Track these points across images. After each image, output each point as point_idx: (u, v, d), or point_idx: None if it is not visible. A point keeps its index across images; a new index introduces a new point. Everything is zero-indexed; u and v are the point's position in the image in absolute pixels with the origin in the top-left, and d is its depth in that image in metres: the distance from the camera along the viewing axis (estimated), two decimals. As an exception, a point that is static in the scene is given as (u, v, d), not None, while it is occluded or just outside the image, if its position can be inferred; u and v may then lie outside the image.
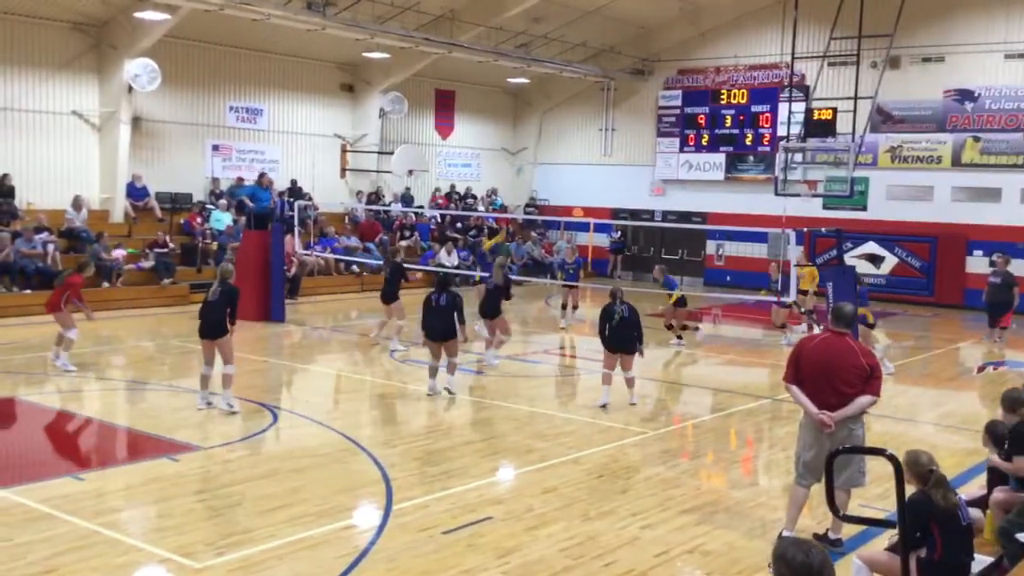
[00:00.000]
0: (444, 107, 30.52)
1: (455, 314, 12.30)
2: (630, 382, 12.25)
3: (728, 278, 27.97)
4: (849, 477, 7.30)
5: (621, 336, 11.99)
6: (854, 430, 7.30)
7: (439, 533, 7.49)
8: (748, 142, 28.31)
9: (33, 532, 7.21)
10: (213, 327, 11.14)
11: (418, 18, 23.82)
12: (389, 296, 16.02)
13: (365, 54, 25.50)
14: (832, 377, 7.21)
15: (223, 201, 23.55)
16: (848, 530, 7.48)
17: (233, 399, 11.19)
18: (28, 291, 18.86)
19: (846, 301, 8.94)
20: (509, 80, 30.14)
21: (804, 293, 18.62)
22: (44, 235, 19.72)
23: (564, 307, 19.35)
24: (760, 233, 24.13)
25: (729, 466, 10.17)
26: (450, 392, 12.42)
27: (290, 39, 23.89)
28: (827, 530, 7.53)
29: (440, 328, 12.30)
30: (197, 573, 6.63)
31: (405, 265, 16.92)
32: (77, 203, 21.00)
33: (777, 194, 20.98)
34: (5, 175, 20.36)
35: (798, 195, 22.23)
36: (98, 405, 12.31)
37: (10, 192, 20.33)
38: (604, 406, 11.96)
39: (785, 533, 7.35)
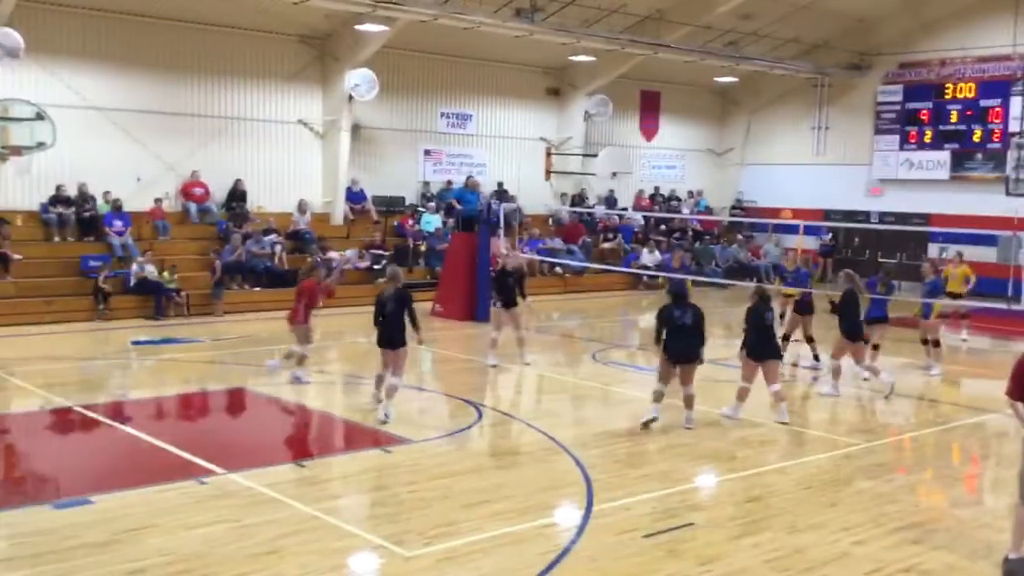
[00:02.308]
0: (649, 108, 30.33)
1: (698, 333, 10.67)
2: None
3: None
4: None
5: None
6: None
7: (640, 536, 7.45)
8: (976, 139, 26.51)
9: (259, 515, 7.72)
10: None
11: (624, 20, 23.80)
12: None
13: (571, 58, 25.74)
14: None
15: (432, 204, 24.41)
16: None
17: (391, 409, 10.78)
18: (258, 288, 20.32)
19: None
20: (716, 79, 29.59)
21: (955, 296, 17.19)
22: (272, 236, 21.12)
23: (786, 338, 15.02)
24: (989, 236, 22.56)
25: (951, 483, 9.57)
26: (689, 426, 10.75)
27: (498, 46, 24.46)
28: None
29: (684, 350, 10.61)
30: (407, 561, 6.91)
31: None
32: (302, 206, 22.38)
33: (1008, 194, 19.61)
34: (238, 180, 21.96)
35: (1032, 195, 20.62)
36: (318, 398, 13.04)
37: (243, 196, 21.92)
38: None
39: (1011, 556, 6.85)
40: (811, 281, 16.24)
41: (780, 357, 11.29)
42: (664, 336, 10.66)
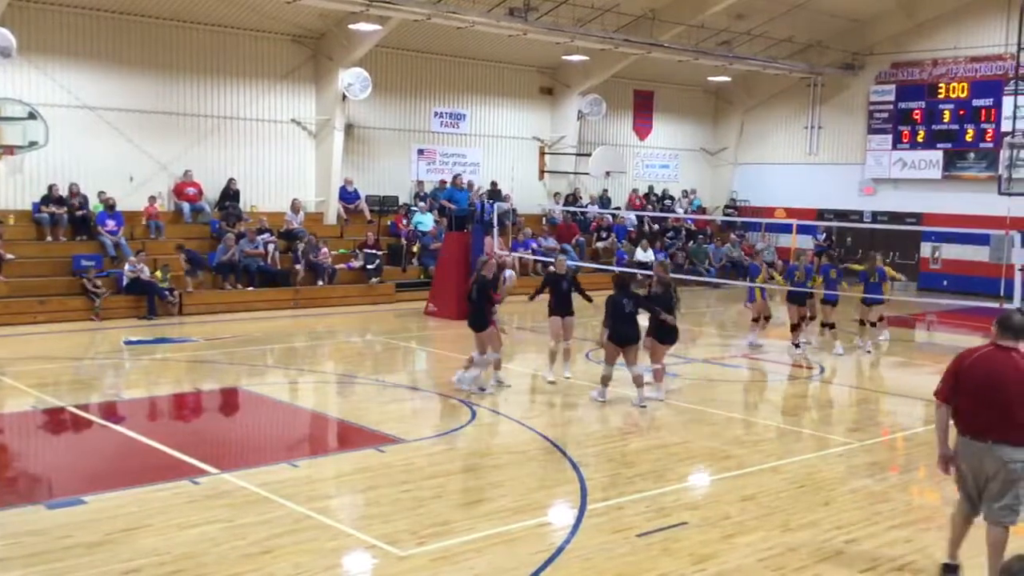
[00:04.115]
0: (642, 108, 30.37)
1: (649, 313, 12.05)
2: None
3: (945, 283, 26.40)
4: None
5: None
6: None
7: (633, 536, 7.46)
8: (969, 138, 26.59)
9: (252, 514, 7.71)
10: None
11: (618, 19, 23.83)
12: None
13: (565, 57, 25.76)
14: (999, 396, 6.32)
15: (423, 203, 24.40)
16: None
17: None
18: (251, 288, 20.28)
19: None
20: (709, 79, 29.64)
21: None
22: (265, 236, 21.08)
23: (795, 327, 16.20)
24: (981, 235, 22.63)
25: (943, 481, 9.56)
26: (642, 406, 11.70)
27: (492, 45, 24.47)
28: None
29: (629, 334, 11.74)
30: (400, 560, 6.90)
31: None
32: (295, 206, 22.35)
33: (1001, 193, 19.67)
34: (231, 180, 21.91)
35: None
36: (311, 397, 13.04)
37: (235, 196, 21.87)
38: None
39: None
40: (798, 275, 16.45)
41: (638, 341, 11.95)
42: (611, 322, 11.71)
